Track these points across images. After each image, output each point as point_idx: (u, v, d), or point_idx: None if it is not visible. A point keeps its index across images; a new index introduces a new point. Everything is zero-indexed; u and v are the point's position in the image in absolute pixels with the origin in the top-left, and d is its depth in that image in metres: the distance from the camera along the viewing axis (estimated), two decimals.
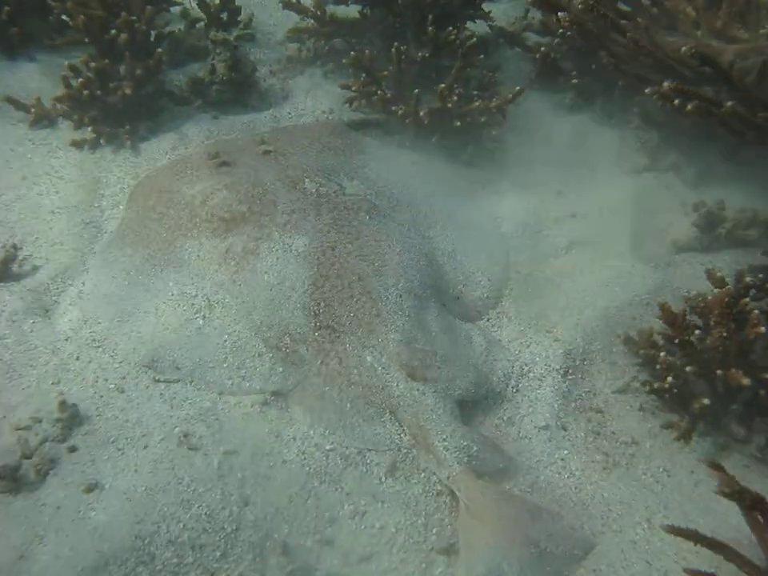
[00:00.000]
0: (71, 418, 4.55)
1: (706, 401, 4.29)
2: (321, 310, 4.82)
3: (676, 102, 5.17)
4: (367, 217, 5.39)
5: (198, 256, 5.26)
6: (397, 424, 4.49)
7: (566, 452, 4.52)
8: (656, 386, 4.58)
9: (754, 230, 5.85)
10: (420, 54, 6.90)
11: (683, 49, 5.17)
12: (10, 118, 6.89)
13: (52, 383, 4.79)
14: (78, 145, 6.59)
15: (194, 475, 4.25)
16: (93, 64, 6.57)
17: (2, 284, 5.45)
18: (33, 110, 6.75)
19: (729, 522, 4.02)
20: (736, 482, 3.34)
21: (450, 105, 6.37)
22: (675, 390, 4.43)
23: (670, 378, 4.42)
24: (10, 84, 7.21)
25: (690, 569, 3.54)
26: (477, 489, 4.13)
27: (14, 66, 7.48)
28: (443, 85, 6.41)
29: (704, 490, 4.33)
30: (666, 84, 5.17)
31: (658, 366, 4.59)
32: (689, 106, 5.12)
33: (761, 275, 5.11)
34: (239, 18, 8.32)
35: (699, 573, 3.50)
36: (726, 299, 4.25)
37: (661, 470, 4.46)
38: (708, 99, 5.10)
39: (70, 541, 3.89)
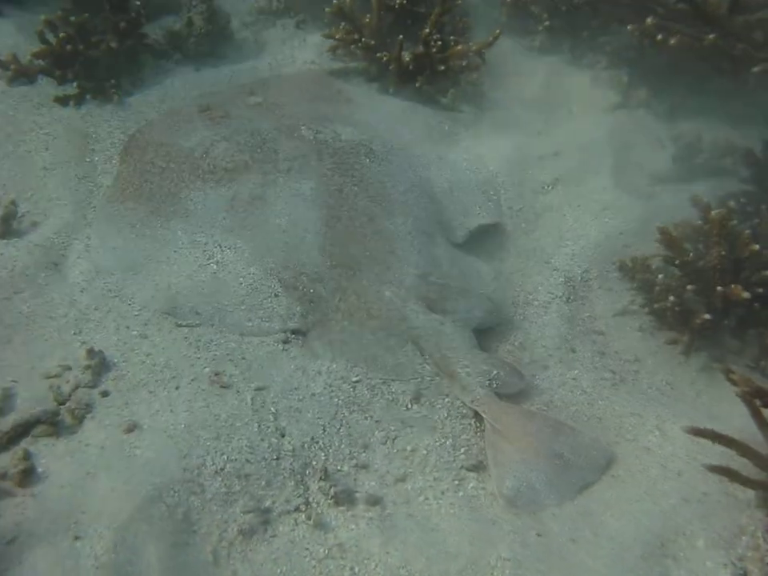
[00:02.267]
0: (99, 365, 4.66)
1: (708, 316, 4.61)
2: (336, 250, 4.99)
3: (659, 37, 5.42)
4: (367, 160, 5.56)
5: (205, 205, 5.37)
6: (418, 354, 4.71)
7: (576, 372, 4.81)
8: (656, 306, 4.88)
9: (728, 158, 6.16)
10: (397, 0, 7.00)
11: None
12: None
13: (74, 333, 4.88)
14: (62, 101, 6.57)
15: (230, 411, 4.43)
16: (72, 18, 6.52)
17: (5, 240, 5.47)
18: (11, 66, 6.68)
19: (732, 424, 4.33)
20: (752, 381, 3.66)
21: (434, 49, 6.52)
22: (676, 309, 4.74)
23: (671, 298, 4.71)
24: None
25: (708, 464, 3.86)
26: (500, 409, 4.40)
27: None
28: (426, 30, 6.55)
29: (705, 399, 4.67)
30: (649, 20, 5.42)
31: (656, 288, 4.89)
32: (672, 41, 5.38)
33: (741, 200, 5.42)
34: None
35: (716, 467, 3.82)
36: (723, 219, 4.55)
37: (664, 383, 4.79)
38: (690, 34, 5.36)
39: (122, 476, 4.05)
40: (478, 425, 4.50)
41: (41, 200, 5.85)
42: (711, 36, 5.26)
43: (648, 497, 4.10)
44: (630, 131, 6.84)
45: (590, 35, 7.55)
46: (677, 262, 4.70)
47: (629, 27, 5.67)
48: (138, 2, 6.84)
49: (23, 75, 6.78)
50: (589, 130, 6.89)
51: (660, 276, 4.91)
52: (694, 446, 4.26)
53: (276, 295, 4.97)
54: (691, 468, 4.19)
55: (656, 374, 4.85)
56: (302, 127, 5.78)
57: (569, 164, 6.50)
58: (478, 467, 4.33)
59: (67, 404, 4.47)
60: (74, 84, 6.63)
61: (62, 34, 6.52)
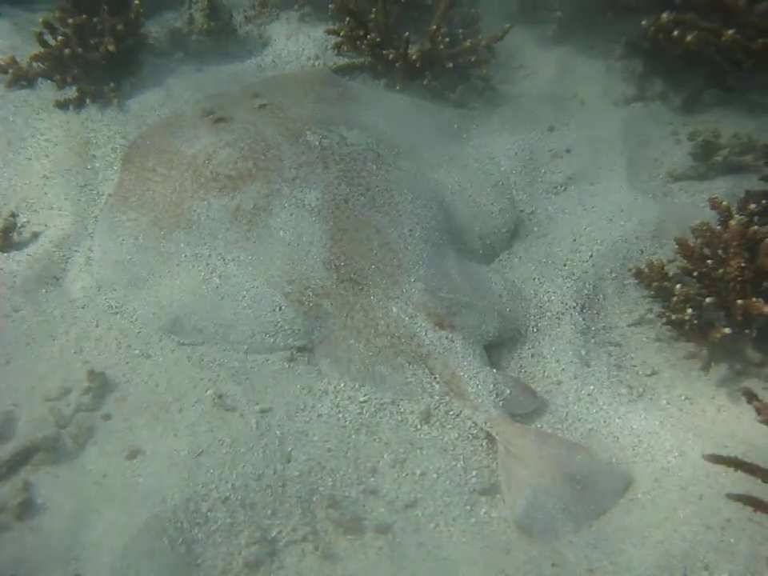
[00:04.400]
0: (101, 386, 4.56)
1: (727, 330, 4.42)
2: (342, 264, 4.84)
3: (675, 33, 5.19)
4: (374, 167, 5.38)
5: (208, 216, 5.21)
6: (427, 372, 4.56)
7: (591, 387, 4.64)
8: (674, 317, 4.70)
9: (749, 155, 5.94)
10: None
11: None
12: None
13: (75, 352, 4.77)
14: (62, 105, 6.43)
15: (234, 436, 4.32)
16: (70, 20, 6.35)
17: (5, 254, 5.37)
18: (10, 70, 6.53)
19: (755, 444, 4.19)
20: None
21: (441, 46, 6.31)
22: (695, 321, 4.56)
23: (689, 310, 4.54)
24: None
25: (731, 494, 3.70)
26: (514, 431, 4.25)
27: None
28: (434, 27, 6.34)
29: (726, 415, 4.48)
30: (664, 16, 5.19)
31: (674, 298, 4.70)
32: (688, 37, 5.15)
33: (763, 201, 5.21)
34: None
35: (739, 496, 3.66)
36: (743, 229, 4.35)
37: (683, 398, 4.60)
38: (707, 29, 5.14)
39: (123, 507, 3.95)
40: (490, 446, 4.35)
41: (41, 209, 5.75)
42: (730, 32, 5.03)
43: (668, 523, 3.96)
44: (644, 125, 6.63)
45: (604, 24, 7.30)
46: (695, 273, 4.52)
47: (643, 23, 5.45)
48: (138, 1, 6.64)
49: (22, 79, 6.63)
50: (602, 124, 6.68)
51: (678, 285, 4.71)
52: (715, 468, 4.08)
53: (280, 309, 4.83)
54: (713, 492, 4.04)
55: (674, 387, 4.66)
56: (308, 132, 5.59)
57: (582, 161, 6.30)
58: (491, 491, 4.20)
59: (68, 428, 4.37)
60: (74, 88, 6.45)
61: (60, 37, 6.34)
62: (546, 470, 4.10)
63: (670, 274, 4.96)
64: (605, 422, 4.49)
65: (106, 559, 3.74)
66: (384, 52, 6.55)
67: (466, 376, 4.46)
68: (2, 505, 3.96)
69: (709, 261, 4.67)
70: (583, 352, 4.82)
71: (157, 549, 3.79)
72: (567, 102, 6.97)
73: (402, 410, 4.51)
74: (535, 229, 5.73)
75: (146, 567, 3.72)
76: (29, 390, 4.56)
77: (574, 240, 5.57)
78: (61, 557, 3.76)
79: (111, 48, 6.31)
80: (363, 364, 4.61)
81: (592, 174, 6.19)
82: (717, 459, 3.67)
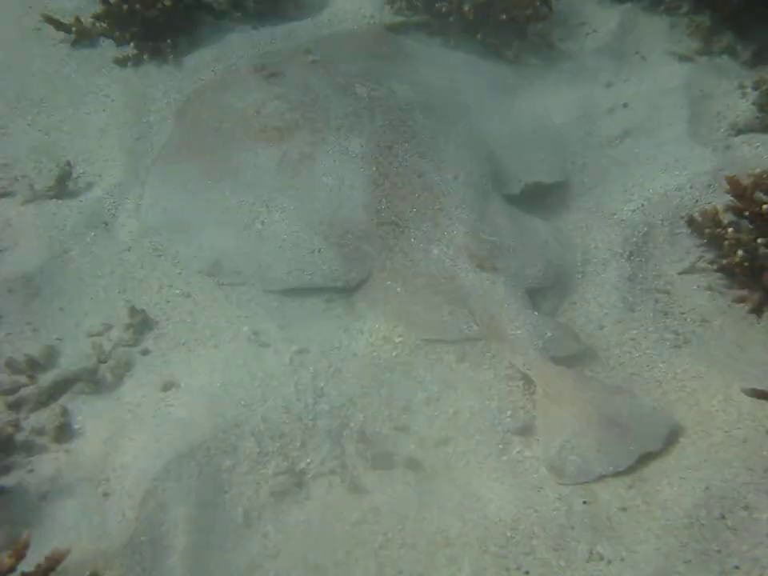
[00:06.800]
0: (141, 323, 4.62)
1: None
2: (382, 207, 4.79)
3: None
4: (421, 116, 5.32)
5: (255, 165, 5.22)
6: (465, 312, 4.47)
7: (635, 332, 4.49)
8: (724, 262, 4.51)
9: None
10: None
11: None
12: (51, 39, 6.84)
13: (118, 291, 4.85)
14: (121, 62, 6.53)
15: (267, 370, 4.32)
16: None
17: (60, 201, 5.49)
18: (73, 29, 6.68)
19: None
20: None
21: None
22: (746, 264, 4.36)
23: (740, 252, 4.34)
24: (47, 3, 7.12)
25: None
26: (554, 373, 4.13)
27: None
28: None
29: None
30: None
31: (726, 243, 4.51)
32: None
33: None
34: None
35: None
36: None
37: (733, 345, 4.41)
38: None
39: (154, 434, 3.99)
40: (527, 387, 4.24)
41: (96, 161, 5.85)
42: None
43: (708, 465, 3.80)
44: (709, 79, 6.35)
45: None
46: (746, 213, 4.32)
47: None
48: None
49: (85, 37, 6.77)
50: (664, 79, 6.42)
51: (730, 230, 4.51)
52: (761, 412, 3.91)
53: (319, 251, 4.80)
54: (758, 435, 3.86)
55: (724, 335, 4.48)
56: (357, 84, 5.56)
57: (640, 115, 6.09)
58: (525, 431, 4.09)
59: (108, 362, 4.44)
60: (132, 44, 6.56)
61: None
62: (583, 411, 3.98)
63: (725, 221, 4.76)
64: (648, 366, 4.33)
65: (133, 481, 3.79)
66: (437, 5, 6.46)
67: (506, 318, 4.36)
68: (42, 428, 4.05)
69: (765, 205, 4.47)
70: (629, 297, 4.67)
71: (184, 473, 3.82)
72: (628, 58, 6.74)
73: (437, 349, 4.44)
74: (586, 180, 5.57)
75: (172, 489, 3.76)
76: (73, 326, 4.66)
77: (626, 190, 5.40)
78: (92, 477, 3.84)
79: (168, 3, 6.38)
80: (400, 303, 4.56)
81: (650, 128, 5.98)
82: (757, 393, 3.50)
